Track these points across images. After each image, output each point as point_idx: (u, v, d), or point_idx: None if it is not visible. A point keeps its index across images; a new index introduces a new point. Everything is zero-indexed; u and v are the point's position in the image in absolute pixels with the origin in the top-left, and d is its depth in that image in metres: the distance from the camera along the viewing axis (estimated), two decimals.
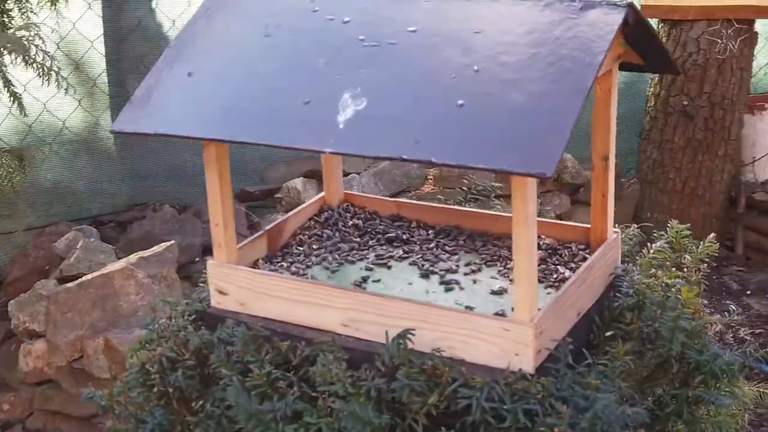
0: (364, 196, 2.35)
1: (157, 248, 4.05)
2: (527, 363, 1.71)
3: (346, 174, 4.88)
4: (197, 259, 4.44)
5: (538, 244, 2.08)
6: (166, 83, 1.89)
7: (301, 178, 4.98)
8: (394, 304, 1.82)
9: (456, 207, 2.24)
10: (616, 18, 1.67)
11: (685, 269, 2.02)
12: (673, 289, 1.94)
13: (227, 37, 1.94)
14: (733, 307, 2.77)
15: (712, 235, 2.06)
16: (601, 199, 1.98)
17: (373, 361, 1.77)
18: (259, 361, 1.83)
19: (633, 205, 5.45)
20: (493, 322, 1.74)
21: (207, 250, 4.35)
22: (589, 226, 2.05)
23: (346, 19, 1.86)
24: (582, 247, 2.04)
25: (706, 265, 2.04)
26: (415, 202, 2.26)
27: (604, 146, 1.95)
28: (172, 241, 4.14)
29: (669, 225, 2.12)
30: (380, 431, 1.70)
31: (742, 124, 5.24)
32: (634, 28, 1.76)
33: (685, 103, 5.12)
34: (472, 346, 1.75)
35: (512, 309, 1.77)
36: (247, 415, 1.76)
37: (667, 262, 2.04)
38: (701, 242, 2.07)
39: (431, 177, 5.20)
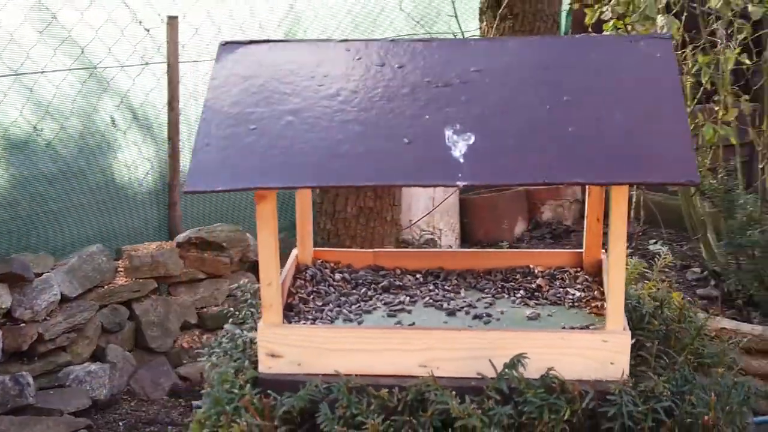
0: (334, 251, 2.33)
1: None
2: (621, 369, 1.85)
3: (39, 275, 4.57)
4: None
5: (534, 272, 2.22)
6: (232, 139, 1.78)
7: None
8: (478, 336, 1.87)
9: (432, 250, 2.31)
10: (667, 44, 1.89)
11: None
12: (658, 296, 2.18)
13: (274, 89, 1.87)
14: None
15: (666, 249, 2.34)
16: (596, 223, 2.18)
17: (481, 392, 1.80)
18: (365, 413, 1.78)
19: None
20: (592, 335, 1.86)
21: None
22: (576, 251, 2.23)
23: (399, 65, 1.90)
24: (577, 269, 2.22)
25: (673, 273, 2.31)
26: (390, 250, 2.30)
27: None
28: None
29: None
30: None
31: (401, 190, 5.68)
32: None
33: None
34: (568, 363, 1.84)
35: (563, 328, 1.92)
36: None
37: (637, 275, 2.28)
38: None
39: (122, 269, 5.00)
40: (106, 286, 4.88)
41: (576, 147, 1.73)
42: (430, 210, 5.69)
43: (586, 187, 2.17)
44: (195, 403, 4.54)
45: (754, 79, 5.19)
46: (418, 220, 5.81)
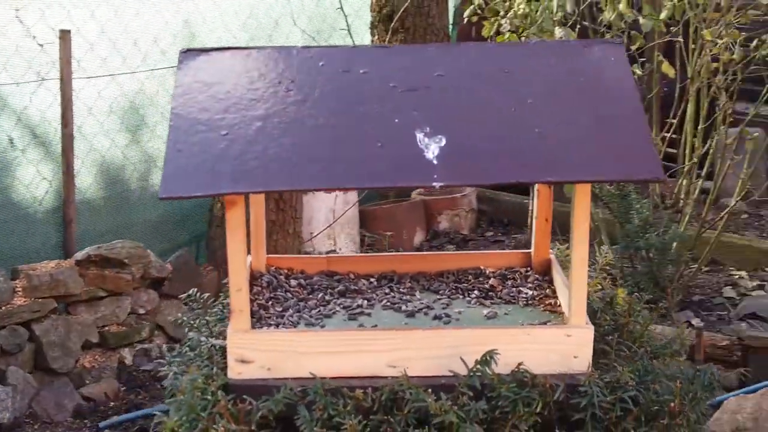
0: (287, 258, 2.35)
1: None
2: (585, 363, 1.92)
3: None
4: None
5: (485, 272, 2.28)
6: (204, 145, 1.79)
7: None
8: (446, 334, 1.91)
9: (384, 254, 2.34)
10: (619, 49, 1.98)
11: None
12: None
13: (241, 95, 1.88)
14: None
15: (606, 246, 2.43)
16: (544, 223, 2.25)
17: (452, 390, 1.85)
18: (342, 413, 1.80)
19: (215, 287, 5.58)
20: (556, 330, 1.93)
21: None
22: (524, 251, 2.30)
23: (363, 70, 1.93)
24: (527, 269, 2.28)
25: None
26: (342, 255, 2.32)
27: None
28: None
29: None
30: None
31: (302, 203, 5.69)
32: None
33: None
34: (533, 357, 1.90)
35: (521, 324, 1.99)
36: None
37: None
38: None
39: (20, 289, 4.86)
40: (3, 307, 4.73)
41: (544, 147, 1.79)
42: (330, 222, 5.71)
43: (535, 188, 2.23)
44: (101, 423, 4.45)
45: (641, 89, 5.39)
46: (320, 232, 5.82)
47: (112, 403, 4.65)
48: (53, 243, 5.20)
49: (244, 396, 1.84)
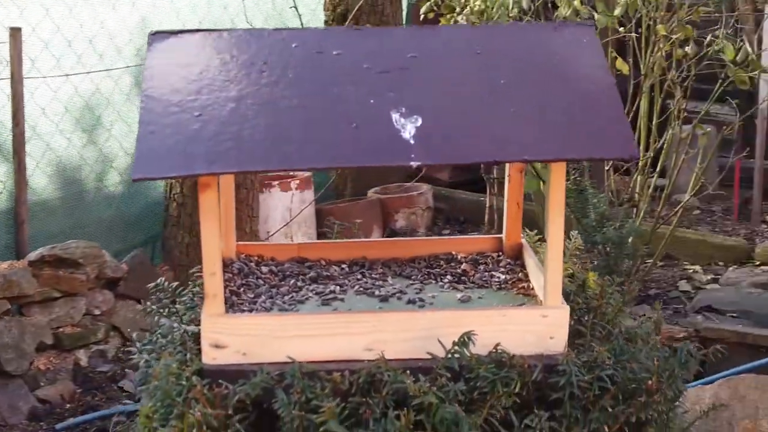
0: (256, 245, 2.33)
1: None
2: (561, 343, 1.92)
3: None
4: None
5: (457, 258, 2.27)
6: (177, 127, 1.76)
7: None
8: (422, 317, 1.91)
9: (354, 240, 2.32)
10: (590, 31, 1.98)
11: None
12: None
13: (214, 77, 1.85)
14: None
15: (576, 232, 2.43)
16: (516, 208, 2.25)
17: (429, 372, 1.84)
18: (320, 396, 1.78)
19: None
20: (532, 311, 1.93)
21: None
22: (495, 236, 2.29)
23: (336, 52, 1.92)
24: (498, 254, 2.28)
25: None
26: (313, 242, 2.30)
27: None
28: None
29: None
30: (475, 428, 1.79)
31: (258, 201, 5.65)
32: None
33: None
34: (509, 339, 1.89)
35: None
36: None
37: None
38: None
39: None
40: None
41: (520, 127, 1.79)
42: (287, 221, 5.68)
43: (506, 173, 2.23)
44: (58, 426, 4.38)
45: None
46: (276, 231, 5.79)
47: (68, 405, 4.58)
48: (4, 244, 5.12)
49: (220, 380, 1.82)
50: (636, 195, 5.18)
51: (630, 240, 4.84)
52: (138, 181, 1.72)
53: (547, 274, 1.91)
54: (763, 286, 5.20)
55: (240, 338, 1.87)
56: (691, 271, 5.61)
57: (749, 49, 4.59)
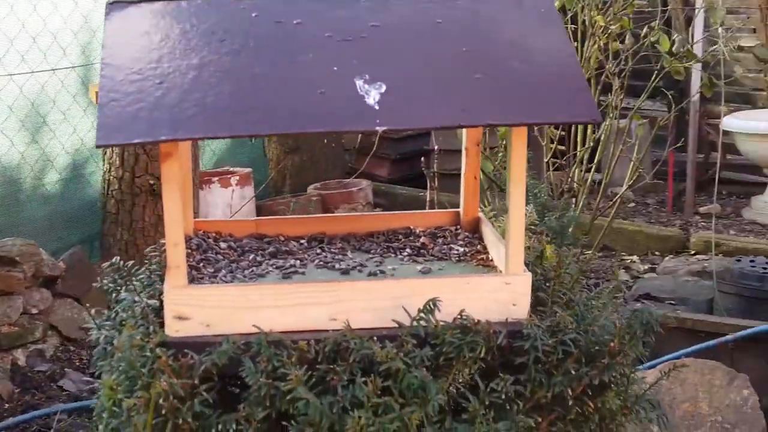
0: (214, 221, 2.32)
1: None
2: (524, 310, 1.94)
3: None
4: None
5: (415, 232, 2.28)
6: (140, 94, 1.74)
7: None
8: (387, 285, 1.91)
9: (312, 216, 2.32)
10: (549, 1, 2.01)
11: None
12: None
13: (174, 45, 1.84)
14: None
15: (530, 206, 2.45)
16: (473, 181, 2.26)
17: (395, 339, 1.84)
18: (286, 364, 1.77)
19: None
20: (494, 278, 1.94)
21: None
22: (452, 210, 2.31)
23: (297, 21, 1.91)
24: (456, 227, 2.29)
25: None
26: (271, 218, 2.29)
27: (477, 132, 2.23)
28: None
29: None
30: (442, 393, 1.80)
31: (197, 198, 5.60)
32: None
33: (152, 182, 5.34)
34: (473, 306, 1.91)
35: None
36: (318, 412, 1.71)
37: None
38: None
39: None
40: None
41: (484, 92, 1.81)
42: (227, 217, 5.64)
43: (463, 147, 2.25)
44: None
45: None
46: None
47: (7, 405, 4.49)
48: None
49: (186, 351, 1.80)
50: (575, 185, 5.24)
51: (570, 229, 4.90)
52: (101, 148, 1.69)
53: (509, 240, 1.92)
54: (698, 274, 5.30)
55: (204, 310, 1.85)
56: (629, 261, 5.70)
57: (684, 40, 4.68)
